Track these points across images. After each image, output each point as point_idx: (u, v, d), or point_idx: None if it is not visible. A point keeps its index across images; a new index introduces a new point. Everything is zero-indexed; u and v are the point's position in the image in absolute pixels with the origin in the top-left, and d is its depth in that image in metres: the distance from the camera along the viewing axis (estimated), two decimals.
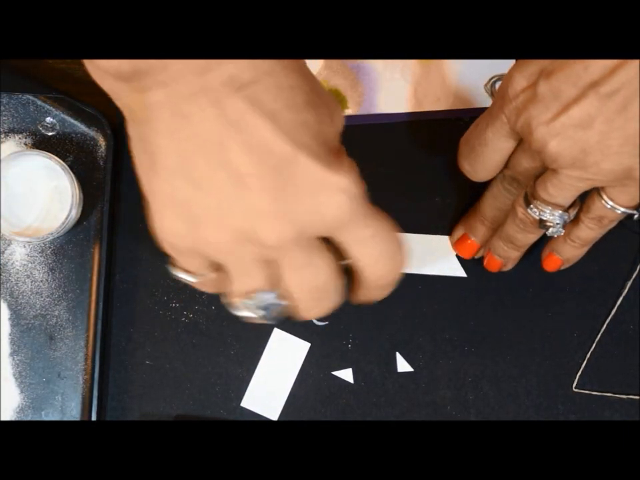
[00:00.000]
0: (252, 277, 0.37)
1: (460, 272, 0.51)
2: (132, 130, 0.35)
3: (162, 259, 0.52)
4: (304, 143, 0.33)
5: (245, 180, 0.33)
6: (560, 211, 0.43)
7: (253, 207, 0.34)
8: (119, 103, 0.35)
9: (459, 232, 0.51)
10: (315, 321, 0.51)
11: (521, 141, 0.43)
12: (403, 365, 0.51)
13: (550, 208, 0.43)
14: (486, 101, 0.51)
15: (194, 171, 0.34)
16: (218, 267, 0.38)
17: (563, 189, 0.42)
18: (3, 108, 0.51)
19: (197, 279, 0.39)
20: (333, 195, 0.34)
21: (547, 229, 0.44)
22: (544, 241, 0.48)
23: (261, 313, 0.38)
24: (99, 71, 0.34)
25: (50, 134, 0.51)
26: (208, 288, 0.40)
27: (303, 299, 0.37)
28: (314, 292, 0.37)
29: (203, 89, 0.32)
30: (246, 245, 0.35)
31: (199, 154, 0.34)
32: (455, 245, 0.51)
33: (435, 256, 0.51)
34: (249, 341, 0.51)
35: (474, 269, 0.51)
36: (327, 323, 0.51)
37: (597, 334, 0.51)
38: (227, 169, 0.33)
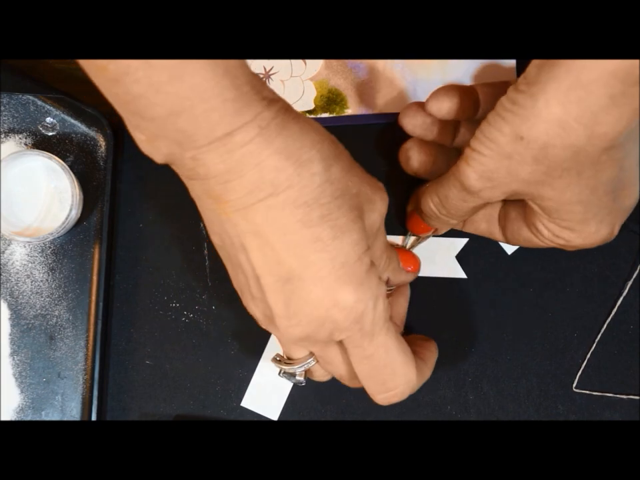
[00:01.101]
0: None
1: (460, 274, 0.51)
2: None
3: (162, 259, 0.52)
4: (311, 261, 0.36)
5: (259, 281, 0.37)
6: None
7: (266, 307, 0.38)
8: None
9: None
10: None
11: None
12: None
13: None
14: None
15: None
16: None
17: None
18: (3, 108, 0.51)
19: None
20: (331, 313, 0.37)
21: None
22: None
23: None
24: None
25: (50, 134, 0.51)
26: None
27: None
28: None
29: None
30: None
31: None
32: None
33: (435, 257, 0.51)
34: (249, 341, 0.51)
35: (474, 269, 0.51)
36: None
37: (597, 334, 0.51)
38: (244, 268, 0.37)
